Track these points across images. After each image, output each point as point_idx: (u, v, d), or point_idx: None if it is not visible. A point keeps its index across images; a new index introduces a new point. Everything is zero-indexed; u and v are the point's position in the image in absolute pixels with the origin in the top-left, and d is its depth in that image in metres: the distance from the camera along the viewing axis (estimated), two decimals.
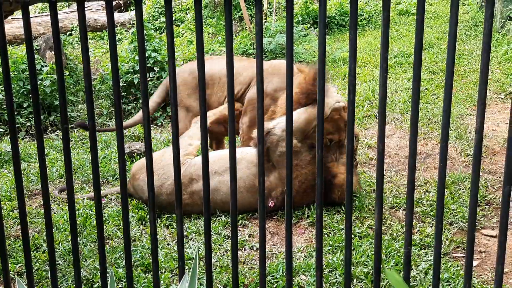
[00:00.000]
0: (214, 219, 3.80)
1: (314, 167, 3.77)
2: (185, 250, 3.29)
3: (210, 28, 11.31)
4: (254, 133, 3.96)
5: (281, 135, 3.69)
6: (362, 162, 4.84)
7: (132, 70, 7.61)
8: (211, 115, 4.48)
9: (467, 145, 4.97)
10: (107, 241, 3.50)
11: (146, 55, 7.48)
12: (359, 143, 5.10)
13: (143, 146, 5.21)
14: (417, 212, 3.78)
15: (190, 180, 3.85)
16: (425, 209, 3.81)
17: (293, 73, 4.31)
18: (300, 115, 3.76)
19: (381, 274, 2.83)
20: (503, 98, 6.58)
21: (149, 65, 7.55)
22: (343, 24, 11.40)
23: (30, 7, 12.24)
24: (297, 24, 10.79)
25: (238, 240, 3.44)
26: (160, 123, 7.09)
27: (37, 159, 4.93)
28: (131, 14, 11.70)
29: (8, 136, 5.85)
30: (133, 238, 3.53)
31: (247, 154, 3.89)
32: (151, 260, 2.78)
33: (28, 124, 6.93)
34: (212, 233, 3.54)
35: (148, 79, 7.42)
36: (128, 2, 12.35)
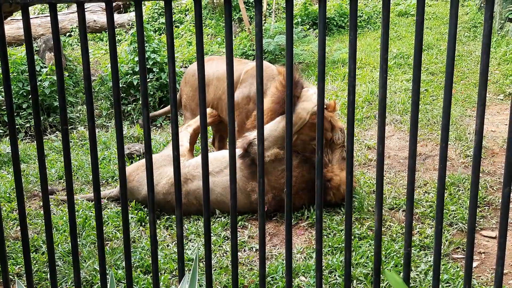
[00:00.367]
0: (214, 220, 3.80)
1: (303, 169, 3.80)
2: (184, 251, 3.29)
3: (209, 29, 11.32)
4: (251, 135, 3.96)
5: (264, 145, 3.70)
6: (361, 163, 4.84)
7: (131, 71, 7.61)
8: (192, 123, 4.57)
9: (467, 146, 4.98)
10: (107, 242, 3.50)
11: (146, 56, 7.50)
12: (355, 143, 5.10)
13: (142, 147, 5.21)
14: (416, 213, 3.78)
15: (185, 180, 3.88)
16: (425, 210, 3.81)
17: (272, 76, 4.33)
18: (279, 123, 3.79)
19: (381, 275, 2.83)
20: (502, 99, 6.59)
21: (148, 66, 7.55)
22: (342, 25, 11.41)
23: (30, 8, 12.23)
24: (297, 25, 10.80)
25: (238, 241, 3.44)
26: (159, 124, 7.10)
27: (36, 160, 4.93)
28: (130, 15, 11.70)
29: (8, 137, 5.85)
30: (132, 239, 3.53)
31: (237, 157, 3.90)
32: (150, 261, 2.78)
33: (28, 125, 6.92)
34: (211, 234, 3.54)
35: (147, 80, 7.41)
36: (128, 3, 12.35)
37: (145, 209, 3.95)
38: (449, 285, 2.92)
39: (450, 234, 3.48)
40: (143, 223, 3.79)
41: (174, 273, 3.12)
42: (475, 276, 3.05)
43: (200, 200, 3.77)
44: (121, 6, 12.36)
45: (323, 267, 3.09)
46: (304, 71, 8.58)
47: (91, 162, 2.12)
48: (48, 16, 10.73)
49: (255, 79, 4.47)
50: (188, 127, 4.54)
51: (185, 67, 8.97)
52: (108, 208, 4.03)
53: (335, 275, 3.03)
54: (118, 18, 11.63)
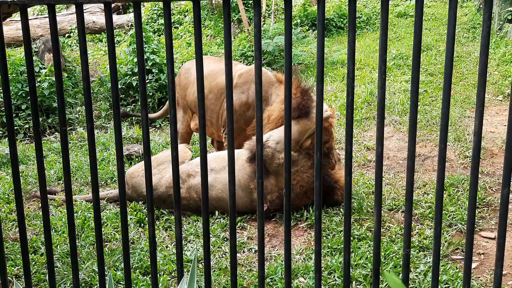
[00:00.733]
0: (213, 221, 3.80)
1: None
2: (183, 252, 3.29)
3: (208, 30, 11.32)
4: (248, 141, 3.99)
5: (275, 148, 3.76)
6: (361, 164, 4.84)
7: (130, 72, 7.61)
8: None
9: (466, 147, 4.98)
10: (106, 243, 3.49)
11: (145, 57, 7.49)
12: (354, 144, 5.12)
13: (141, 148, 5.21)
14: (416, 214, 3.78)
15: (188, 175, 3.98)
16: (424, 211, 3.81)
17: (272, 82, 4.32)
18: (293, 126, 3.83)
19: (380, 276, 2.83)
20: (501, 100, 6.59)
21: (147, 67, 7.55)
22: (341, 26, 11.42)
23: (29, 9, 12.24)
24: (296, 26, 10.80)
25: (237, 242, 3.43)
26: (158, 125, 7.09)
27: (35, 161, 4.92)
28: (129, 16, 11.70)
29: (6, 138, 5.85)
30: (131, 241, 3.52)
31: (242, 155, 3.92)
32: (149, 263, 2.78)
33: (27, 126, 6.92)
34: (210, 235, 3.54)
35: (146, 81, 7.41)
36: (127, 4, 12.35)
37: (144, 210, 3.95)
38: (448, 286, 2.92)
39: (449, 235, 3.48)
40: (142, 224, 3.78)
41: (173, 274, 3.12)
42: (474, 277, 3.05)
43: (201, 194, 3.82)
44: (120, 7, 12.36)
45: (322, 268, 3.09)
46: (303, 72, 8.58)
47: (90, 163, 2.12)
48: (47, 17, 10.72)
49: (253, 84, 4.46)
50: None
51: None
52: (107, 209, 4.03)
53: (334, 276, 3.03)
54: (117, 19, 11.63)
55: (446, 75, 1.89)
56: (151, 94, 7.46)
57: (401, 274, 2.15)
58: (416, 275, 3.02)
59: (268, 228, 3.70)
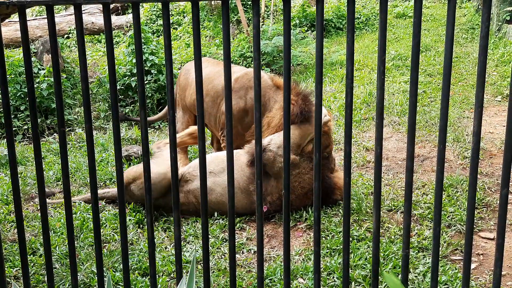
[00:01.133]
0: (212, 222, 3.79)
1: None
2: (182, 253, 3.28)
3: (207, 31, 11.33)
4: (248, 144, 4.00)
5: (277, 152, 3.76)
6: (359, 164, 4.84)
7: (129, 73, 7.60)
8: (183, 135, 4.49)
9: (465, 147, 4.98)
10: (104, 244, 3.49)
11: (144, 58, 7.50)
12: (353, 144, 5.13)
13: (140, 149, 5.20)
14: (415, 214, 3.78)
15: (185, 181, 3.94)
16: (423, 212, 3.81)
17: (269, 86, 4.31)
18: (294, 130, 3.85)
19: (379, 277, 2.83)
20: (500, 101, 6.60)
21: (146, 68, 7.54)
22: (340, 27, 11.42)
23: (28, 10, 12.24)
24: (295, 27, 10.81)
25: (236, 243, 3.43)
26: (157, 126, 7.09)
27: (34, 162, 4.91)
28: (128, 17, 11.70)
29: (5, 139, 5.84)
30: (130, 242, 3.52)
31: (240, 157, 3.91)
32: (148, 264, 2.77)
33: (25, 127, 6.91)
34: (209, 236, 3.54)
35: (145, 82, 7.41)
36: (126, 5, 12.35)
37: (143, 211, 3.94)
38: (448, 287, 2.92)
39: (448, 236, 3.48)
40: (141, 225, 3.78)
41: (172, 275, 3.11)
42: (473, 278, 3.05)
43: (199, 199, 3.79)
44: (119, 8, 12.36)
45: (321, 269, 3.09)
46: (302, 73, 8.59)
47: (89, 164, 2.12)
48: (45, 18, 10.72)
49: (249, 89, 4.45)
50: (166, 144, 4.44)
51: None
52: (106, 210, 4.02)
53: (333, 277, 3.03)
54: (116, 20, 11.63)
55: (445, 75, 1.89)
56: (150, 95, 7.45)
57: (400, 275, 2.15)
58: (415, 276, 3.02)
59: (267, 229, 3.70)
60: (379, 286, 2.91)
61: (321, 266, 3.07)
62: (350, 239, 3.38)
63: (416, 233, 3.52)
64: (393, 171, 4.67)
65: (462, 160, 4.76)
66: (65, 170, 2.12)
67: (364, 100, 6.66)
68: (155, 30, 11.61)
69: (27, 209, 4.13)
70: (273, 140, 3.84)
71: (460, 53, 8.90)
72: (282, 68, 2.01)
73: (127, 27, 11.41)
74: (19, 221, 2.17)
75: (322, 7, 1.91)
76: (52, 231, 3.62)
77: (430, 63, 8.30)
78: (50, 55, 8.38)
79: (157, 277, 3.03)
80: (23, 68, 7.20)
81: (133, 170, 4.12)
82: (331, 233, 3.54)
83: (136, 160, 5.06)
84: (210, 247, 3.37)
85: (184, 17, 12.12)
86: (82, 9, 2.01)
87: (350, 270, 3.04)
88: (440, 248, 3.28)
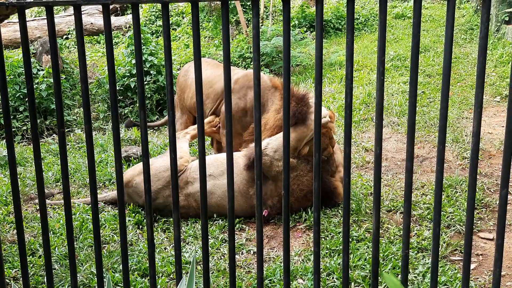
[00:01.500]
0: (211, 223, 3.79)
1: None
2: (182, 254, 3.28)
3: (206, 32, 11.33)
4: (244, 148, 3.99)
5: (273, 156, 3.76)
6: (359, 165, 4.84)
7: (128, 74, 7.60)
8: (191, 131, 4.55)
9: (464, 148, 4.99)
10: (104, 245, 3.48)
11: (143, 58, 7.49)
12: (352, 145, 5.13)
13: (139, 150, 5.20)
14: (414, 215, 3.78)
15: (185, 182, 3.89)
16: (422, 212, 3.81)
17: (268, 87, 4.31)
18: (290, 134, 3.81)
19: (379, 277, 2.82)
20: (499, 101, 6.60)
21: (145, 68, 7.54)
22: (339, 27, 11.43)
23: (27, 11, 12.22)
24: (294, 27, 10.81)
25: (236, 244, 3.43)
26: (157, 127, 7.08)
27: (33, 163, 4.91)
28: (127, 18, 11.70)
29: (4, 140, 5.83)
30: (130, 243, 3.52)
31: (239, 160, 3.89)
32: (148, 265, 2.77)
33: (24, 128, 6.90)
34: (209, 237, 3.53)
35: (144, 83, 7.40)
36: (125, 6, 12.35)
37: (143, 212, 3.94)
38: (447, 287, 2.92)
39: (448, 236, 3.48)
40: (140, 226, 3.78)
41: (171, 276, 3.11)
42: (472, 278, 3.05)
43: (200, 202, 3.78)
44: (118, 8, 12.36)
45: (321, 269, 3.09)
46: (301, 74, 8.59)
47: (88, 165, 2.11)
48: (45, 18, 10.72)
49: (249, 90, 4.46)
50: (186, 134, 4.51)
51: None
52: (105, 211, 4.02)
53: (333, 278, 3.03)
54: (115, 20, 11.63)
55: (444, 76, 1.89)
56: (149, 95, 7.45)
57: (400, 275, 2.15)
58: (415, 276, 3.02)
59: (267, 230, 3.70)
60: (378, 287, 2.91)
61: (320, 267, 3.06)
62: (350, 239, 3.38)
63: (416, 233, 3.52)
64: (392, 171, 4.67)
65: (462, 161, 4.77)
66: (64, 171, 2.12)
67: (363, 100, 6.67)
68: (154, 31, 11.61)
69: (26, 210, 4.12)
70: (269, 145, 3.83)
71: (459, 54, 8.91)
72: (282, 68, 2.01)
73: (126, 27, 11.41)
74: (19, 222, 2.17)
75: (322, 7, 1.91)
76: (51, 232, 3.62)
77: (429, 64, 8.31)
78: (49, 56, 8.39)
79: (157, 278, 3.03)
80: (22, 69, 7.20)
81: (137, 168, 4.13)
82: (330, 234, 3.54)
83: (135, 161, 5.06)
84: (209, 248, 3.37)
85: (183, 18, 12.12)
86: (82, 10, 2.01)
87: (349, 271, 3.04)
88: (440, 249, 3.28)
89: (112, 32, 2.07)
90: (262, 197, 2.10)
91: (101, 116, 7.53)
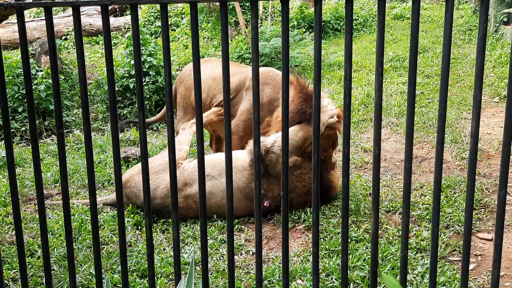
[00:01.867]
0: (210, 223, 3.79)
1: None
2: (181, 255, 3.28)
3: (205, 33, 11.33)
4: (250, 143, 3.99)
5: (279, 154, 3.78)
6: (358, 166, 4.84)
7: (127, 75, 7.60)
8: (193, 127, 4.54)
9: (462, 148, 4.99)
10: (103, 246, 3.48)
11: (142, 59, 7.49)
12: (351, 145, 5.13)
13: (138, 150, 5.20)
14: (413, 215, 3.79)
15: (184, 184, 3.87)
16: (421, 213, 3.81)
17: (279, 83, 4.32)
18: (297, 132, 3.85)
19: (378, 278, 2.83)
20: (497, 102, 6.61)
21: (144, 69, 7.54)
22: (338, 28, 11.44)
23: (25, 12, 12.20)
24: (293, 28, 10.82)
25: (235, 244, 3.43)
26: (155, 127, 7.08)
27: (32, 164, 4.91)
28: (126, 19, 11.70)
29: (3, 141, 5.83)
30: (128, 243, 3.51)
31: (240, 158, 3.90)
32: (147, 265, 2.77)
33: (23, 128, 6.90)
34: (208, 238, 3.53)
35: (143, 84, 7.40)
36: (124, 6, 12.35)
37: (141, 213, 3.94)
38: None
39: (447, 237, 3.48)
40: (139, 227, 3.77)
41: (170, 277, 3.11)
42: (471, 279, 3.06)
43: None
44: (117, 9, 12.35)
45: (320, 270, 3.09)
46: (300, 74, 8.59)
47: (87, 165, 2.11)
48: (43, 19, 10.71)
49: (264, 86, 4.50)
50: (192, 125, 4.49)
51: (181, 70, 8.95)
52: (104, 212, 4.01)
53: (332, 278, 3.03)
54: (114, 21, 11.63)
55: (443, 77, 1.90)
56: (148, 96, 7.45)
57: (398, 276, 2.15)
58: (414, 277, 3.02)
59: (266, 230, 3.70)
60: (377, 287, 2.92)
61: (319, 267, 3.07)
62: (349, 240, 3.39)
63: (415, 234, 3.53)
64: (391, 172, 4.67)
65: (460, 161, 4.77)
66: (63, 172, 2.12)
67: (362, 101, 6.67)
68: (153, 32, 11.62)
69: (25, 211, 4.12)
70: (276, 142, 3.84)
71: (458, 55, 8.92)
72: (281, 69, 2.01)
73: (125, 28, 11.41)
74: (17, 223, 2.17)
75: (320, 8, 1.91)
76: (50, 233, 3.62)
77: (428, 65, 8.32)
78: (48, 56, 8.38)
79: (156, 278, 3.02)
80: (21, 70, 7.19)
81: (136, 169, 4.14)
82: (329, 234, 3.54)
83: (134, 161, 5.05)
84: (208, 249, 3.37)
85: (182, 19, 12.13)
86: (80, 10, 2.01)
87: (348, 271, 3.04)
88: (438, 249, 3.29)
89: (111, 33, 2.07)
90: (260, 197, 2.10)
91: (100, 116, 7.52)
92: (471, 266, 3.19)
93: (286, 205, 2.08)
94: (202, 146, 2.09)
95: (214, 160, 3.96)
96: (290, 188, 3.84)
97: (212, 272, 3.15)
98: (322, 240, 3.47)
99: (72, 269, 2.21)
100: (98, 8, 11.44)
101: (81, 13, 1.94)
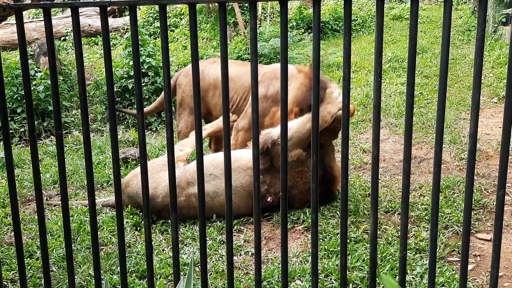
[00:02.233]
0: (210, 224, 3.79)
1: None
2: (180, 256, 3.28)
3: (204, 33, 11.33)
4: (262, 132, 4.02)
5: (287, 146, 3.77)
6: (357, 166, 4.85)
7: (126, 75, 7.60)
8: (208, 127, 4.55)
9: (461, 149, 5.00)
10: (102, 247, 3.48)
11: (141, 60, 7.49)
12: (350, 146, 5.14)
13: (137, 151, 5.19)
14: (412, 216, 3.79)
15: (187, 183, 3.88)
16: (420, 213, 3.82)
17: (293, 75, 4.37)
18: (305, 124, 3.84)
19: (377, 278, 2.83)
20: (496, 102, 6.62)
21: (143, 70, 7.54)
22: (337, 29, 11.45)
23: (24, 13, 12.19)
24: (291, 29, 10.83)
25: (234, 245, 3.42)
26: (154, 128, 7.08)
27: (30, 165, 4.90)
28: (125, 20, 11.70)
29: (2, 142, 5.82)
30: (127, 244, 3.51)
31: (244, 157, 3.90)
32: (146, 266, 2.77)
33: (22, 129, 6.89)
34: (207, 239, 3.53)
35: (142, 84, 7.40)
36: (123, 7, 12.35)
37: (140, 214, 3.93)
38: None
39: (446, 237, 3.49)
40: (138, 228, 3.77)
41: (169, 278, 3.11)
42: (470, 279, 3.06)
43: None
44: (116, 10, 12.35)
45: (319, 270, 3.09)
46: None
47: (86, 166, 2.11)
48: (42, 20, 10.70)
49: (274, 80, 4.55)
50: (203, 130, 4.51)
51: (180, 69, 8.94)
52: (103, 213, 4.01)
53: (331, 279, 3.03)
54: (113, 22, 11.62)
55: (442, 77, 1.90)
56: (147, 97, 7.45)
57: (397, 277, 2.15)
58: (413, 277, 3.02)
59: (265, 231, 3.70)
60: None
61: (318, 268, 3.07)
62: (348, 241, 3.39)
63: (413, 234, 3.53)
64: (390, 172, 4.68)
65: (459, 162, 4.78)
66: (62, 173, 2.12)
67: (361, 101, 6.68)
68: (152, 32, 11.62)
69: (24, 212, 4.12)
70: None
71: (457, 55, 8.93)
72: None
73: (124, 29, 11.41)
74: (16, 224, 2.16)
75: (319, 9, 1.91)
76: (49, 234, 3.61)
77: (427, 65, 8.33)
78: (47, 57, 8.37)
79: (155, 279, 3.02)
80: (20, 71, 7.18)
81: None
82: (328, 235, 3.54)
83: (133, 162, 5.05)
84: (207, 250, 3.37)
85: (181, 19, 12.13)
86: (79, 11, 2.01)
87: (347, 272, 3.04)
88: (437, 250, 3.29)
89: (110, 34, 2.07)
90: (260, 198, 2.10)
91: (99, 117, 7.52)
92: (470, 267, 3.19)
93: (285, 206, 2.08)
94: (201, 147, 2.09)
95: (217, 159, 3.96)
96: (291, 184, 3.85)
97: (211, 273, 3.14)
98: (321, 240, 3.47)
99: (71, 270, 2.21)
100: (97, 9, 11.44)
101: (80, 14, 1.94)
